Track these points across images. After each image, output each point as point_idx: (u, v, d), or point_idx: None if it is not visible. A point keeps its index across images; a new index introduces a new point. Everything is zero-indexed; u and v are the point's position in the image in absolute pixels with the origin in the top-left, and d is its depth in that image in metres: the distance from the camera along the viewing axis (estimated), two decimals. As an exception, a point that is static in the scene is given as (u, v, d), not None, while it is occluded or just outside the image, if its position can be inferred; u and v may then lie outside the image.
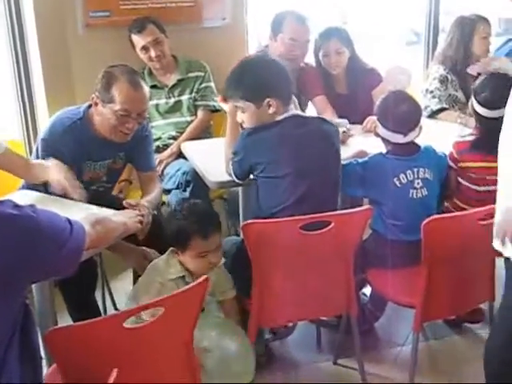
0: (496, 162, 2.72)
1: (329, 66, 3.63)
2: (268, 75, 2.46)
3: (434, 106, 3.68)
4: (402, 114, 2.64)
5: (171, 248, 2.34)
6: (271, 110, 2.45)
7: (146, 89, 2.70)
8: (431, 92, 3.71)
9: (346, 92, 3.71)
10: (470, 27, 3.73)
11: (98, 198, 2.77)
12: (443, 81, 3.71)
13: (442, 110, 3.67)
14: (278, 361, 2.95)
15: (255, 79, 2.45)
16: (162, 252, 3.01)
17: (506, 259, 2.10)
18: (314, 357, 3.01)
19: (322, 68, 3.67)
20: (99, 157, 2.80)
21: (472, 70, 3.61)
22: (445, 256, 2.40)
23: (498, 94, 2.76)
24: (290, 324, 3.08)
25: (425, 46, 4.56)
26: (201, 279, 1.96)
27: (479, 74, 3.08)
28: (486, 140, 2.73)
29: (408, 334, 3.01)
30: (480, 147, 2.80)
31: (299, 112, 2.60)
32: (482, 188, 2.86)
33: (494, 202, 2.30)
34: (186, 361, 1.99)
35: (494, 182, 2.77)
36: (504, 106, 2.66)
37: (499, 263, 2.75)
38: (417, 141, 2.73)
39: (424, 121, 3.50)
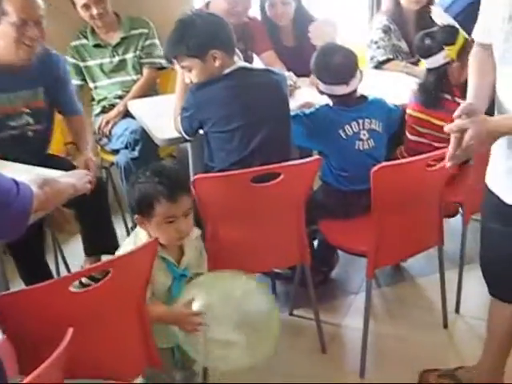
0: (429, 114, 2.80)
1: (275, 17, 3.61)
2: (208, 27, 2.42)
3: (380, 56, 3.69)
4: (339, 64, 2.63)
5: (136, 217, 2.06)
6: (217, 63, 2.43)
7: None
8: (376, 42, 3.72)
9: (293, 44, 3.70)
10: None
11: (26, 143, 2.77)
12: (386, 31, 3.72)
13: (388, 60, 3.70)
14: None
15: (196, 33, 2.41)
16: (103, 212, 3.02)
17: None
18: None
19: (268, 20, 3.64)
20: (12, 87, 2.75)
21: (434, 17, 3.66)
22: (394, 203, 2.43)
23: (422, 44, 2.84)
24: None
25: (370, -2, 4.56)
26: (151, 239, 1.95)
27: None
28: (423, 90, 2.83)
29: (361, 282, 3.08)
30: (418, 98, 2.87)
31: (246, 64, 2.58)
32: (414, 138, 2.92)
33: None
34: (139, 321, 1.98)
35: (425, 135, 2.85)
36: (430, 56, 2.76)
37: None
38: (366, 91, 2.75)
39: (370, 71, 3.57)
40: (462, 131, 1.80)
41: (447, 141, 2.04)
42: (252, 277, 2.21)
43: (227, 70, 2.45)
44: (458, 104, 2.63)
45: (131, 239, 2.12)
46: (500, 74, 1.90)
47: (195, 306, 1.98)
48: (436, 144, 2.77)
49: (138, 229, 2.10)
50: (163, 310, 2.04)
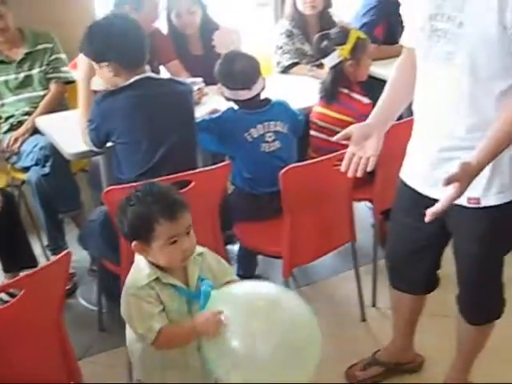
0: (327, 107, 2.96)
1: (182, 27, 3.64)
2: (105, 38, 2.44)
3: (286, 61, 3.77)
4: (241, 70, 2.70)
5: (134, 244, 1.83)
6: (110, 74, 2.46)
7: None
8: (281, 48, 3.79)
9: (201, 53, 3.73)
10: None
11: None
12: (289, 35, 3.80)
13: (293, 64, 3.77)
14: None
15: (92, 41, 2.45)
16: (16, 229, 2.99)
17: None
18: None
19: (175, 30, 3.66)
20: None
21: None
22: (305, 203, 2.49)
23: (319, 45, 3.03)
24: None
25: (274, 5, 4.64)
26: (63, 252, 1.89)
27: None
28: (323, 86, 3.00)
29: (281, 283, 3.12)
30: (320, 94, 3.04)
31: (151, 74, 2.57)
32: (315, 133, 3.05)
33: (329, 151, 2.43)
34: (57, 336, 1.96)
35: (323, 130, 3.00)
36: (326, 56, 2.97)
37: (357, 206, 2.94)
38: (274, 96, 2.82)
39: (277, 76, 3.65)
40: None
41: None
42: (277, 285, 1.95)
43: (131, 80, 2.46)
44: (354, 99, 2.90)
45: (132, 273, 1.91)
46: (422, 70, 1.97)
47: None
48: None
49: (137, 258, 1.90)
50: (183, 324, 1.82)
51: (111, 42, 2.43)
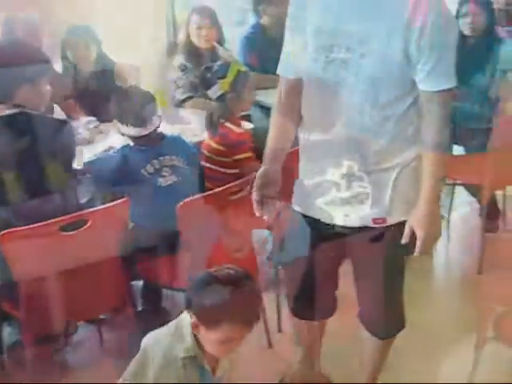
0: (211, 139, 3.06)
1: (78, 63, 3.62)
2: None
3: (180, 95, 3.83)
4: (136, 107, 2.73)
5: (194, 321, 1.76)
6: None
7: None
8: (175, 82, 3.85)
9: (97, 89, 3.72)
10: (188, 19, 3.97)
11: None
12: (183, 69, 3.87)
13: (188, 98, 3.83)
14: (67, 366, 2.94)
15: None
16: None
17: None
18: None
19: (72, 67, 3.64)
20: None
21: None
22: (204, 235, 2.50)
23: (203, 78, 3.23)
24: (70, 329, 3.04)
25: (167, 39, 4.69)
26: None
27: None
28: (208, 118, 3.10)
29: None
30: (206, 126, 3.14)
31: (27, 110, 2.47)
32: (203, 163, 3.12)
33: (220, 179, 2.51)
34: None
35: (209, 160, 3.09)
36: (209, 88, 3.10)
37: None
38: (167, 129, 2.87)
39: (173, 110, 3.69)
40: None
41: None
42: None
43: (1, 114, 2.40)
44: (226, 128, 3.04)
45: (170, 332, 1.83)
46: (317, 100, 2.01)
47: None
48: (219, 168, 3.06)
49: (183, 321, 1.82)
50: None
51: None
